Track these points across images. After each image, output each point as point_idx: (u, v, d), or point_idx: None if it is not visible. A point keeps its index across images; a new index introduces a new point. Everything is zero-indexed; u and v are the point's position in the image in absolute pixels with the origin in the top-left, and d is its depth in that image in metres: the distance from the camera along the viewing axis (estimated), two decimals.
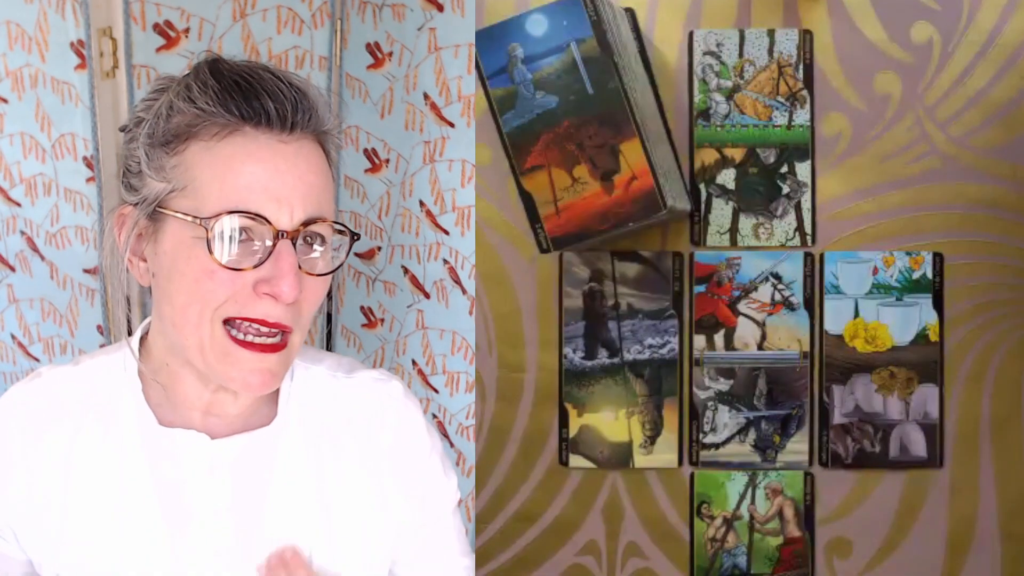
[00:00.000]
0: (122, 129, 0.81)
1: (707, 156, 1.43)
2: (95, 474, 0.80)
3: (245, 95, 0.74)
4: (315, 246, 0.76)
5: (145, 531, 0.79)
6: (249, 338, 0.74)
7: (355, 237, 0.79)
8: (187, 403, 0.81)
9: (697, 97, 1.43)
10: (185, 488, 0.80)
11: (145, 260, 0.77)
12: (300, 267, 0.73)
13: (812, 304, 1.43)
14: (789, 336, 1.43)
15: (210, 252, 0.71)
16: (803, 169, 1.42)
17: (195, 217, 0.72)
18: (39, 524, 0.81)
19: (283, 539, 0.81)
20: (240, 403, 0.82)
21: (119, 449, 0.80)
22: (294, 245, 0.73)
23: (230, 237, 0.71)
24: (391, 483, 0.87)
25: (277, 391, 0.84)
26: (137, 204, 0.76)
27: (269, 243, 0.72)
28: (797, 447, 1.44)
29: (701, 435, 1.45)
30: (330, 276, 0.78)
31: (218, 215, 0.71)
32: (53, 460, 0.81)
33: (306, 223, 0.74)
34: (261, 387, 0.74)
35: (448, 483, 0.92)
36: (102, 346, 1.63)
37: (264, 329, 0.74)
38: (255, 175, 0.72)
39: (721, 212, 1.43)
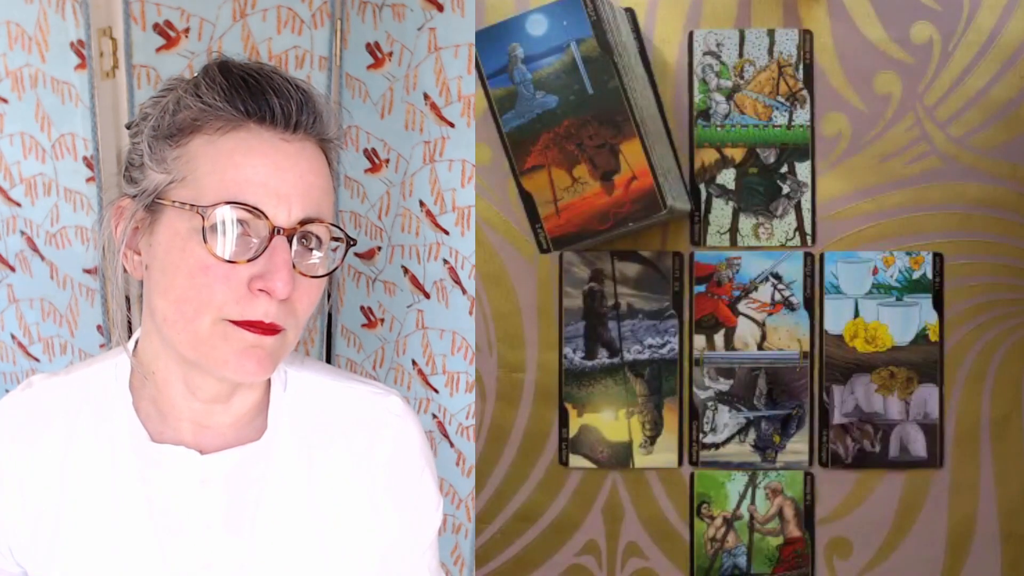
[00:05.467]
0: (128, 126, 0.81)
1: (707, 156, 1.43)
2: (87, 487, 0.80)
3: (252, 92, 0.74)
4: (312, 248, 0.76)
5: (137, 545, 0.79)
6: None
7: (351, 242, 0.79)
8: (176, 413, 0.81)
9: (697, 97, 1.43)
10: (176, 503, 0.80)
11: (139, 253, 0.77)
12: (295, 267, 0.73)
13: (812, 304, 1.43)
14: (789, 336, 1.43)
15: (205, 242, 0.71)
16: (803, 169, 1.42)
17: (192, 206, 0.72)
18: (33, 536, 0.81)
19: (274, 553, 0.81)
20: (231, 412, 0.82)
21: (111, 463, 0.80)
22: (290, 243, 0.73)
23: (226, 229, 0.71)
24: (385, 499, 0.87)
25: (267, 404, 0.84)
26: (136, 196, 0.76)
27: (265, 239, 0.72)
28: (797, 447, 1.44)
29: (701, 435, 1.45)
30: (325, 279, 0.78)
31: (215, 205, 0.71)
32: (45, 471, 0.81)
33: (303, 222, 0.74)
34: (257, 369, 0.74)
35: (439, 504, 0.91)
36: (102, 346, 1.63)
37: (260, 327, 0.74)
38: (255, 170, 0.73)
39: (721, 212, 1.43)
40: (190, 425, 0.81)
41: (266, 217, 0.72)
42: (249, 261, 0.72)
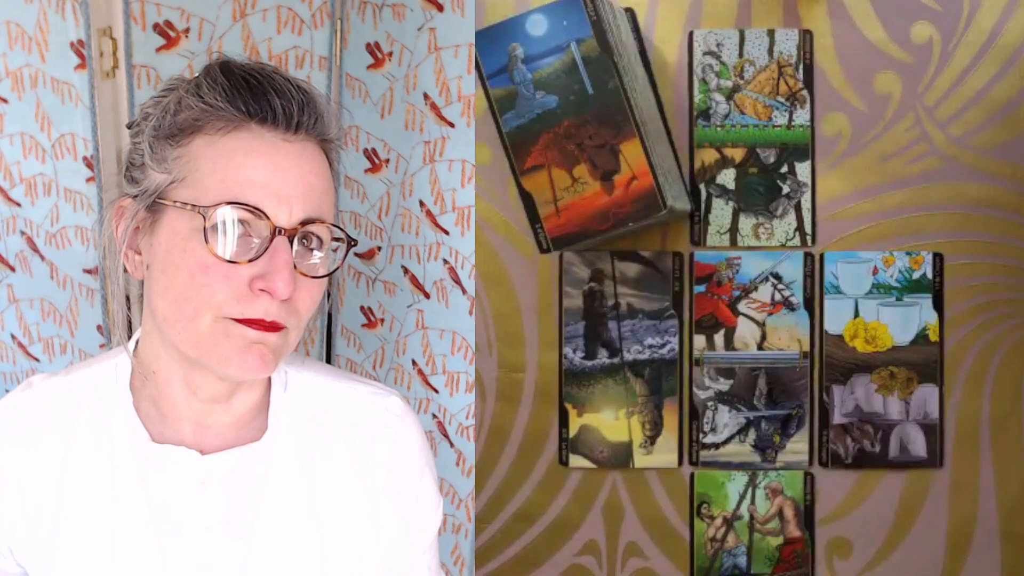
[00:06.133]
0: (129, 126, 0.81)
1: (707, 156, 1.43)
2: (87, 488, 0.80)
3: (253, 92, 0.74)
4: (312, 249, 0.77)
5: (136, 546, 0.80)
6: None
7: (352, 243, 0.79)
8: (176, 413, 0.81)
9: (697, 97, 1.43)
10: (176, 503, 0.80)
11: (140, 253, 0.77)
12: (296, 267, 0.73)
13: (812, 304, 1.43)
14: (789, 336, 1.43)
15: (206, 242, 0.71)
16: (803, 169, 1.42)
17: (194, 206, 0.72)
18: (33, 536, 0.81)
19: (274, 554, 0.81)
20: (231, 412, 0.82)
21: (110, 463, 0.80)
22: (291, 243, 0.73)
23: (227, 230, 0.71)
24: (384, 500, 0.87)
25: (268, 404, 0.84)
26: (137, 196, 0.76)
27: (266, 239, 0.72)
28: (797, 447, 1.44)
29: (701, 435, 1.45)
30: (326, 279, 0.78)
31: (217, 205, 0.71)
32: (45, 472, 0.81)
33: (304, 223, 0.74)
34: (259, 365, 0.74)
35: (439, 504, 0.91)
36: (102, 346, 1.63)
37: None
38: (256, 170, 0.73)
39: (721, 212, 1.43)
40: (190, 425, 0.81)
41: (267, 217, 0.72)
42: (250, 261, 0.72)
